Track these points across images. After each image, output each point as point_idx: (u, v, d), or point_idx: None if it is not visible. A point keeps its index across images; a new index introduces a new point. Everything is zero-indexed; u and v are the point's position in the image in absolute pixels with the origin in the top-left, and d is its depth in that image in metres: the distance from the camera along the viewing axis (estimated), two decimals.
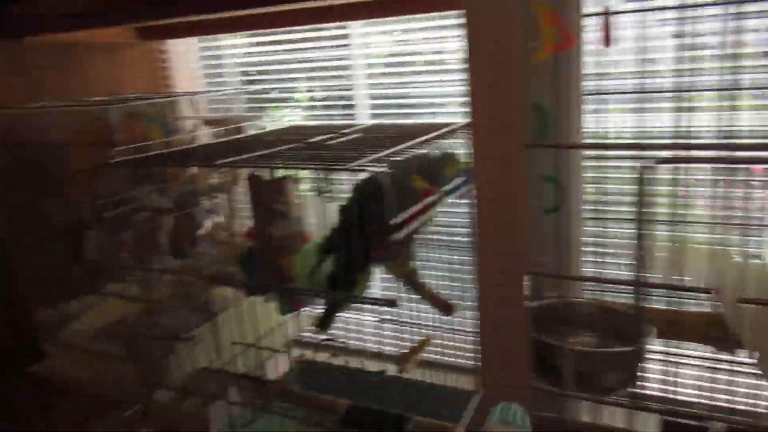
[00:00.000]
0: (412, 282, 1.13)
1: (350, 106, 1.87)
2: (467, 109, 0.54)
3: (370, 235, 0.95)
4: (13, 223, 1.49)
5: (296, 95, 1.98)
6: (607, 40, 0.94)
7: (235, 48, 1.99)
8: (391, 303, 0.86)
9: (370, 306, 0.93)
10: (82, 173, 1.29)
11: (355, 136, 1.20)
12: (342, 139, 1.15)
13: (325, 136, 1.21)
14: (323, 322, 1.08)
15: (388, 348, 1.30)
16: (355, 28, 1.79)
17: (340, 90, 1.87)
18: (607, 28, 0.94)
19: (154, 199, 1.32)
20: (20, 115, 1.36)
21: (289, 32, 1.89)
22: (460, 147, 1.19)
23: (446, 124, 1.27)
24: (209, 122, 1.55)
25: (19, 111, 1.38)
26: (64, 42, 1.67)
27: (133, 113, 1.26)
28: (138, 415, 1.72)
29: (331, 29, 1.82)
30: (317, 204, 1.35)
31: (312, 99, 1.97)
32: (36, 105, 1.41)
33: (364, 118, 1.87)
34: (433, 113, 1.79)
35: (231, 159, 1.00)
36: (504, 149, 0.50)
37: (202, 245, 1.39)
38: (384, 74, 1.82)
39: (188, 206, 1.34)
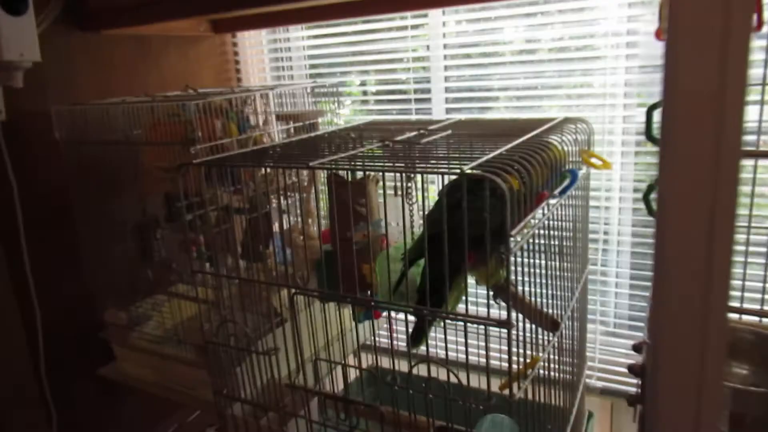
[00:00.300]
0: (506, 293, 1.02)
1: (424, 100, 1.77)
2: (663, 101, 0.43)
3: (475, 242, 0.85)
4: (85, 222, 1.46)
5: (347, 89, 1.90)
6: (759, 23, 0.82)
7: (303, 40, 1.92)
8: (503, 324, 0.77)
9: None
10: (157, 170, 1.24)
11: (445, 133, 1.10)
12: (434, 137, 1.06)
13: (412, 134, 1.12)
14: (416, 338, 0.99)
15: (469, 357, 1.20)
16: (434, 17, 1.69)
17: (406, 83, 1.78)
18: (759, 9, 0.81)
19: (227, 199, 1.26)
20: (99, 111, 1.32)
21: (360, 23, 1.81)
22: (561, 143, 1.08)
23: (549, 119, 1.16)
24: (281, 117, 1.48)
25: (95, 106, 1.34)
26: (141, 35, 1.64)
27: (209, 108, 1.20)
28: (203, 420, 1.68)
29: (408, 18, 1.73)
30: (399, 206, 1.26)
31: (365, 93, 1.89)
32: (113, 101, 1.37)
33: (437, 111, 1.77)
34: (514, 107, 1.68)
35: (335, 158, 0.92)
36: (711, 157, 0.39)
37: (276, 247, 1.32)
38: (459, 66, 1.71)
39: (262, 207, 1.26)
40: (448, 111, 1.75)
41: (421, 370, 0.89)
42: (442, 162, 0.87)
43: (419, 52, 1.75)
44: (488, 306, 0.79)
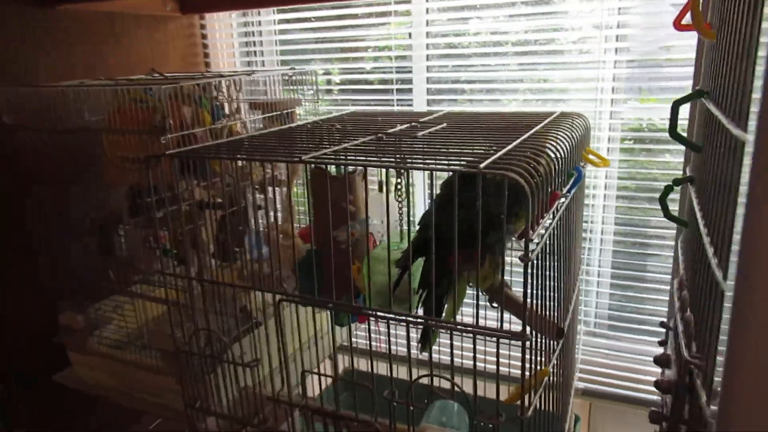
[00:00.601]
0: (502, 297, 0.96)
1: (405, 90, 1.69)
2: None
3: (468, 242, 0.78)
4: (39, 217, 1.33)
5: (324, 77, 1.81)
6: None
7: (275, 24, 1.82)
8: (518, 336, 0.70)
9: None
10: (121, 161, 1.12)
11: (440, 126, 1.03)
12: (429, 130, 0.98)
13: (404, 126, 1.04)
14: (423, 342, 0.93)
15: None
16: (417, 4, 1.61)
17: (382, 72, 1.70)
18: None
19: (198, 193, 1.16)
20: (53, 94, 1.19)
21: (337, 8, 1.72)
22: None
23: (545, 114, 1.10)
24: (256, 106, 1.38)
25: (51, 89, 1.20)
26: (102, 12, 1.50)
27: (179, 94, 1.09)
28: (165, 428, 1.57)
29: (391, 4, 1.65)
30: (388, 203, 1.18)
31: (329, 82, 1.80)
32: (70, 83, 1.24)
33: (418, 102, 1.70)
34: (499, 100, 1.62)
35: (324, 152, 0.84)
36: None
37: (252, 246, 1.22)
38: (441, 56, 1.64)
39: (237, 202, 1.17)
40: (430, 102, 1.68)
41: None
42: (447, 157, 0.80)
43: (401, 40, 1.67)
44: (501, 317, 0.72)
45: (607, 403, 1.64)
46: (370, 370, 0.88)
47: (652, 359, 1.58)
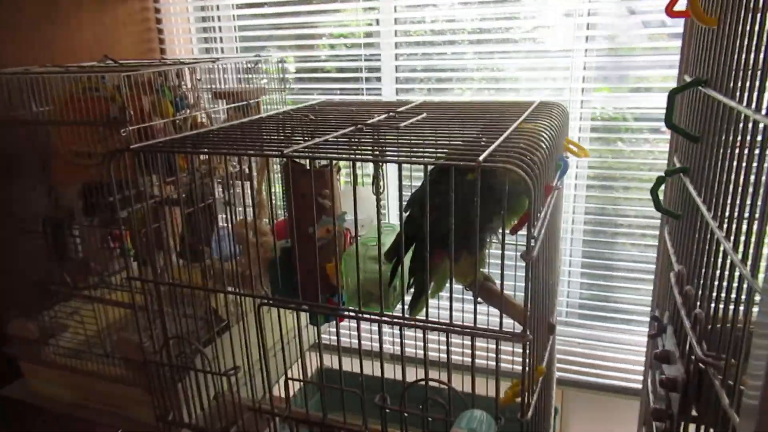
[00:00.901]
0: (488, 292, 0.93)
1: (374, 79, 1.64)
2: None
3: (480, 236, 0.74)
4: None
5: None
6: None
7: (234, 9, 1.73)
8: (518, 337, 0.67)
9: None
10: (74, 155, 1.03)
11: (421, 116, 0.98)
12: (410, 121, 0.94)
13: (382, 117, 0.99)
14: (412, 308, 0.89)
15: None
16: None
17: (353, 60, 1.64)
18: None
19: (164, 189, 1.08)
20: None
21: None
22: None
23: (525, 104, 1.07)
24: (220, 95, 1.30)
25: None
26: None
27: (138, 83, 1.01)
28: None
29: None
30: (366, 198, 1.13)
31: (284, 70, 1.73)
32: (14, 70, 1.13)
33: (387, 91, 1.65)
34: (468, 89, 1.59)
35: (306, 145, 0.78)
36: None
37: (220, 244, 1.16)
38: (410, 44, 1.60)
39: (203, 198, 1.10)
40: (399, 91, 1.63)
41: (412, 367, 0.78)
42: (438, 149, 0.76)
43: (368, 27, 1.62)
44: (501, 317, 0.69)
45: (580, 391, 1.65)
46: (355, 370, 0.84)
47: (623, 347, 1.61)
